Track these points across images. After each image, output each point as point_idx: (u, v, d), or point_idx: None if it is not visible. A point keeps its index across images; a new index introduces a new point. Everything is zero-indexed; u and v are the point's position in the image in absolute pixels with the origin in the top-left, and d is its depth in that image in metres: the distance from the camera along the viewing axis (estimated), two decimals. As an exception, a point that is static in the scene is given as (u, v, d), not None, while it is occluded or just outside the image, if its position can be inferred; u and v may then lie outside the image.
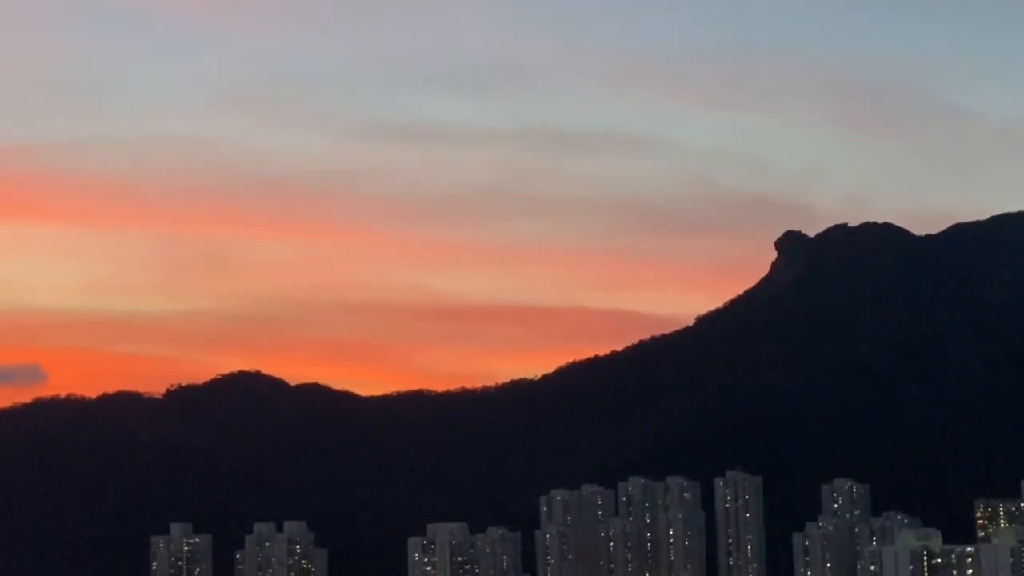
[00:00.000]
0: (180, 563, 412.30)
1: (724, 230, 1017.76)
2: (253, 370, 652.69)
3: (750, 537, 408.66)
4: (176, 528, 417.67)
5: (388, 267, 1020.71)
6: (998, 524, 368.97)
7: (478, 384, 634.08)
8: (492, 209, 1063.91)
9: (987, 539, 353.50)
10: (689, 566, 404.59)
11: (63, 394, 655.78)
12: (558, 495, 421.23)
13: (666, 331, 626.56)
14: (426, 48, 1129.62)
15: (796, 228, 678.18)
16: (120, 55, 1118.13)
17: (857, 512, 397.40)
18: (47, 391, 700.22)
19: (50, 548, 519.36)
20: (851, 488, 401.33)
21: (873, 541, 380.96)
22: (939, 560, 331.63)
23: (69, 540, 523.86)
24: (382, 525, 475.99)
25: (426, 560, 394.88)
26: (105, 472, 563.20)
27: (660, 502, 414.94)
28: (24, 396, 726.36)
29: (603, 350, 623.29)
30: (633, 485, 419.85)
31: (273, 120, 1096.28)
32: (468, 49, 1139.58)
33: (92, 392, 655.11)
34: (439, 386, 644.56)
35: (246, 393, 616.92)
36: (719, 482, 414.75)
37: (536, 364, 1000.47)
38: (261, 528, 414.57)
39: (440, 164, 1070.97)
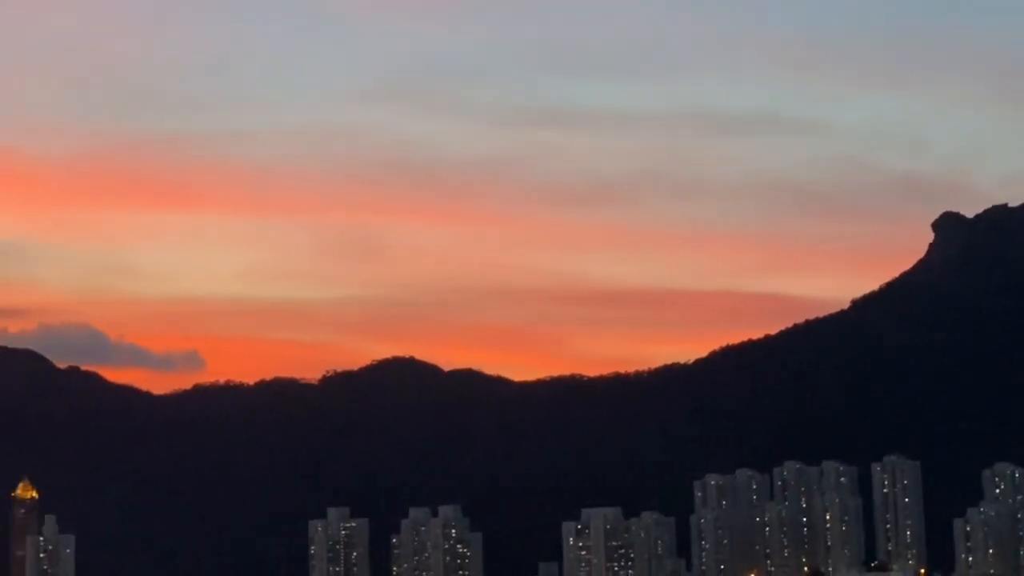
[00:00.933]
0: (338, 547, 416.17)
1: (880, 211, 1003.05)
2: (407, 356, 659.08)
3: (909, 523, 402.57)
4: (333, 512, 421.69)
5: (542, 252, 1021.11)
6: None
7: (631, 369, 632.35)
8: (646, 193, 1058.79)
9: None
10: (847, 552, 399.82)
11: (221, 380, 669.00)
12: (712, 479, 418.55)
13: (821, 314, 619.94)
14: (580, 32, 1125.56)
15: (954, 209, 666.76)
16: (276, 45, 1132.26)
17: (1020, 497, 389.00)
18: (206, 378, 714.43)
19: (209, 532, 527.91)
20: (1013, 473, 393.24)
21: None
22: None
23: (228, 525, 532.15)
24: (536, 509, 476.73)
25: (580, 544, 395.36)
26: (262, 457, 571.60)
27: (816, 487, 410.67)
28: (184, 382, 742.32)
29: (757, 334, 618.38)
30: (788, 470, 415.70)
31: (427, 107, 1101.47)
32: (622, 32, 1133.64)
33: (250, 378, 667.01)
34: (592, 371, 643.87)
35: (400, 379, 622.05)
36: (876, 467, 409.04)
37: (690, 348, 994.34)
38: (417, 512, 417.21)
39: (594, 148, 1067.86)
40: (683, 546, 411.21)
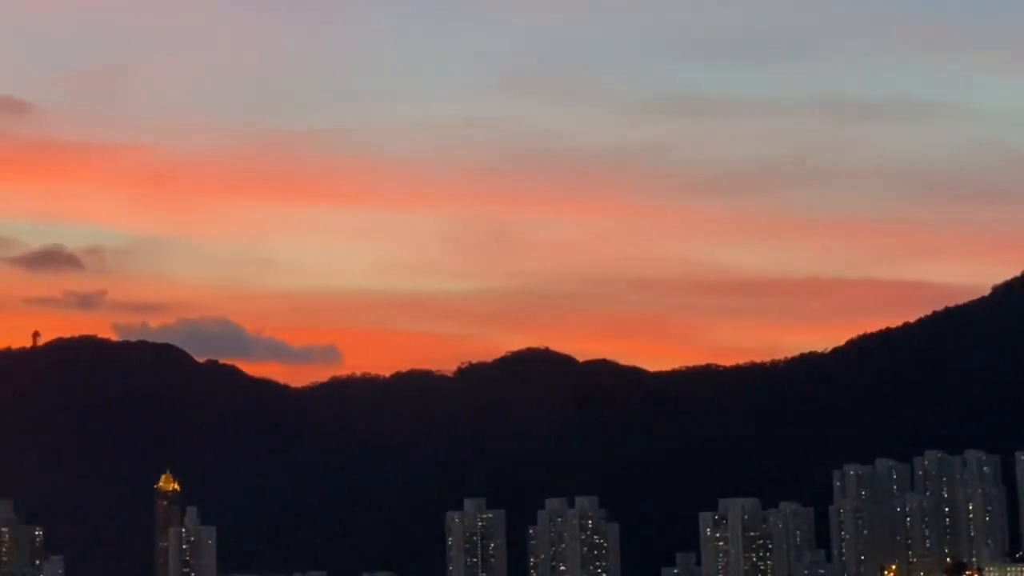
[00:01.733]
0: (475, 538, 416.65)
1: (1021, 195, 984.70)
2: (542, 347, 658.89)
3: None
4: (470, 504, 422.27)
5: (674, 241, 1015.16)
6: None
7: (767, 358, 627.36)
8: (780, 180, 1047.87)
9: None
10: (990, 543, 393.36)
11: (358, 373, 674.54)
12: (852, 470, 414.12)
13: (961, 301, 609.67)
14: (712, 19, 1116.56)
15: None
16: (407, 38, 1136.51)
17: None
18: (343, 370, 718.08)
19: (346, 523, 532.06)
20: None
21: None
22: None
23: (365, 516, 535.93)
24: (673, 500, 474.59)
25: (718, 535, 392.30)
26: (399, 449, 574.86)
27: (958, 476, 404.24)
28: (321, 375, 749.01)
29: (895, 322, 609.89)
30: (929, 459, 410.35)
31: (560, 97, 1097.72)
32: (753, 19, 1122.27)
33: (386, 370, 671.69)
34: (727, 360, 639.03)
35: (535, 370, 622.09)
36: (1020, 456, 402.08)
37: (826, 337, 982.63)
38: (553, 503, 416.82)
39: (728, 136, 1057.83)
40: (822, 537, 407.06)
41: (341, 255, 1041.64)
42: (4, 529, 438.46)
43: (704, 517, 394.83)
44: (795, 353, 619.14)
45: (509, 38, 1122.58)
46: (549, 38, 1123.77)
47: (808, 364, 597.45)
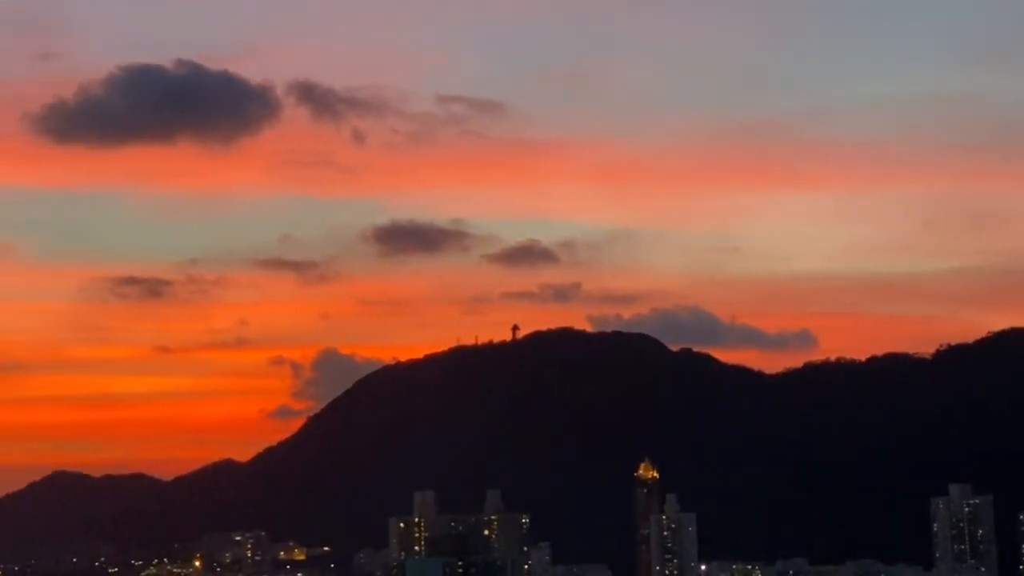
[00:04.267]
0: (961, 524, 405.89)
1: None
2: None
3: None
4: (955, 489, 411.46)
5: None
6: None
7: None
8: None
9: None
10: None
11: (833, 358, 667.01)
12: None
13: None
14: None
15: None
16: (870, 15, 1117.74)
17: None
18: (817, 355, 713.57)
19: (828, 509, 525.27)
20: None
21: None
22: None
23: (846, 502, 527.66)
24: None
25: None
26: (877, 433, 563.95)
27: None
28: (795, 361, 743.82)
29: None
30: None
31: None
32: None
33: (861, 355, 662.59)
34: None
35: (1020, 350, 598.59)
36: None
37: None
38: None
39: None
40: None
41: (812, 239, 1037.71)
42: (494, 517, 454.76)
43: None
44: None
45: (979, 10, 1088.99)
46: (1020, 9, 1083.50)
47: None
